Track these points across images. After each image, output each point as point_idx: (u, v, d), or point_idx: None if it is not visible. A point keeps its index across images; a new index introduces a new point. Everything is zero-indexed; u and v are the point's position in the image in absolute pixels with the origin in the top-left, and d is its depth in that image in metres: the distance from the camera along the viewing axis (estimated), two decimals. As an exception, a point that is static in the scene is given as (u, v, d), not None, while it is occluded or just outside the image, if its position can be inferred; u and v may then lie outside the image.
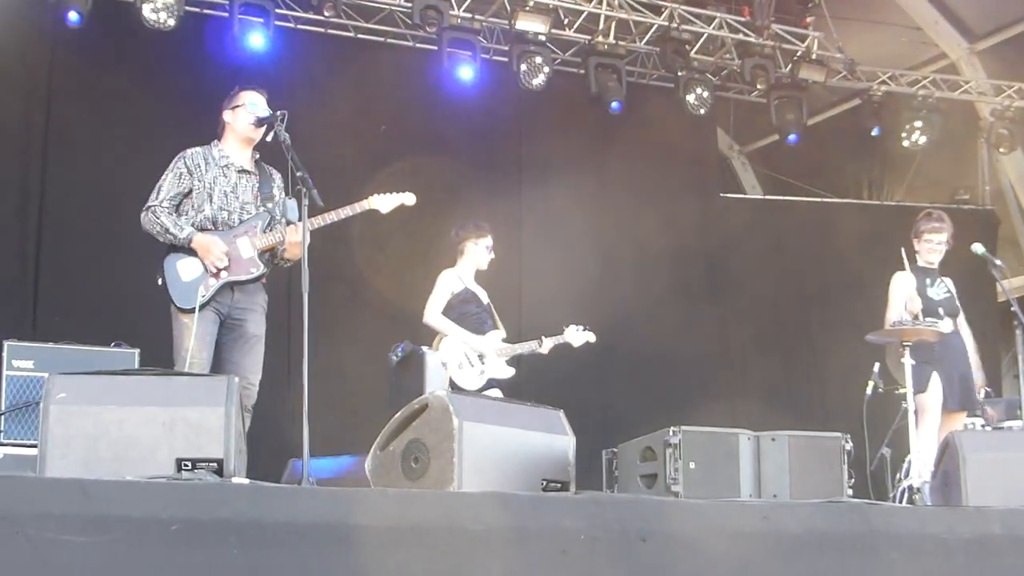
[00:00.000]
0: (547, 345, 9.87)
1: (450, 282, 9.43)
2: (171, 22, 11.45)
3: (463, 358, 9.31)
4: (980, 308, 12.78)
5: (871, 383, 10.81)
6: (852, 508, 5.90)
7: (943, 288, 9.44)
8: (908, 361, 9.11)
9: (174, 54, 12.01)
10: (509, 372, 9.59)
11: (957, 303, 9.47)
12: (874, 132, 15.07)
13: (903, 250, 9.48)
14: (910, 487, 8.87)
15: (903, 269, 9.42)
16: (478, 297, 9.52)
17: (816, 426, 8.25)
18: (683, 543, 5.13)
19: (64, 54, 11.87)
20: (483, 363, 9.36)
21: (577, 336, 10.09)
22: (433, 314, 9.36)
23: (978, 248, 9.33)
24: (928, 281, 9.41)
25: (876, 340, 9.38)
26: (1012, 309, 9.15)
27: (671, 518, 5.24)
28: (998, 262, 9.52)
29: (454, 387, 9.11)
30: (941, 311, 9.31)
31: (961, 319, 9.56)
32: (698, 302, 14.84)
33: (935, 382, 9.16)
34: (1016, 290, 13.14)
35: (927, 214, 9.75)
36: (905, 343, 9.07)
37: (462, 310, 9.38)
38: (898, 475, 9.89)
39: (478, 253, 9.50)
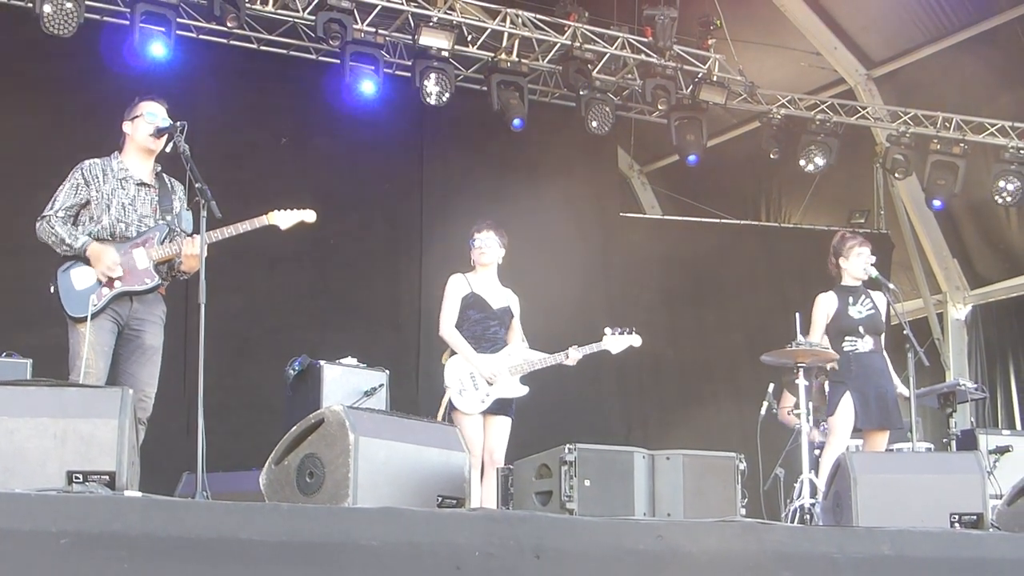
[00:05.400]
0: (575, 356, 9.40)
1: (457, 287, 9.18)
2: (70, 29, 11.24)
3: (465, 381, 8.98)
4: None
5: (765, 403, 10.91)
6: (745, 528, 5.94)
7: (868, 305, 9.50)
8: (802, 382, 9.21)
9: (71, 62, 11.86)
10: (522, 391, 9.18)
11: (882, 320, 9.55)
12: (773, 155, 15.19)
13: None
14: (802, 507, 8.96)
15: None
16: (484, 301, 9.17)
17: (711, 446, 8.32)
18: (577, 560, 5.13)
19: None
20: (490, 385, 8.98)
21: (616, 342, 9.64)
22: (445, 327, 9.13)
23: (872, 271, 9.46)
24: (851, 300, 9.48)
25: (771, 361, 9.47)
26: (904, 332, 9.28)
27: (565, 535, 5.24)
28: (891, 286, 9.67)
29: (454, 410, 8.91)
30: (861, 329, 9.38)
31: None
32: (596, 321, 14.86)
33: (846, 402, 9.25)
34: (909, 314, 13.35)
35: (843, 234, 9.85)
36: (800, 364, 9.17)
37: (464, 315, 9.10)
38: (791, 495, 9.99)
39: (472, 254, 9.25)
